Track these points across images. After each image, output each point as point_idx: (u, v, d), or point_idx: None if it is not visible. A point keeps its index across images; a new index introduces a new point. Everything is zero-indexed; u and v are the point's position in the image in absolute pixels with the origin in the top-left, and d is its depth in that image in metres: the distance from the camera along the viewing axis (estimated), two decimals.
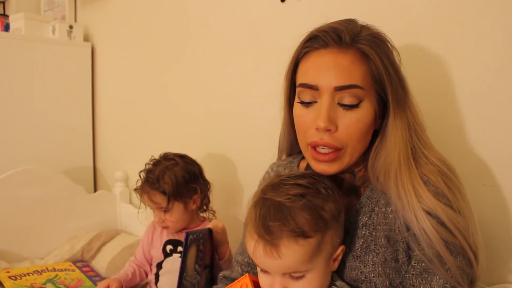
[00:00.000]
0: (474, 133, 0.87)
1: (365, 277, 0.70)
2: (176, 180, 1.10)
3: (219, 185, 1.29)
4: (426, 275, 0.66)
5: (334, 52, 0.69)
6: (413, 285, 0.67)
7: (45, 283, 1.35)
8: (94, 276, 1.44)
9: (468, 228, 0.65)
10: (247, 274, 0.72)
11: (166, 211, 1.11)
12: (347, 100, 0.68)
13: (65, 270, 1.46)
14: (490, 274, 0.85)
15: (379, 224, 0.71)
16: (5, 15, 2.11)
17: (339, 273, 0.73)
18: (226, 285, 0.79)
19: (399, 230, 0.69)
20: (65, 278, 1.40)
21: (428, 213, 0.65)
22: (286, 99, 0.80)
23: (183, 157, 1.17)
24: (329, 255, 0.66)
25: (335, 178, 0.76)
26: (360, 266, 0.71)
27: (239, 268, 0.89)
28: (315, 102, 0.71)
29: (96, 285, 1.38)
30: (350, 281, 0.72)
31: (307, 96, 0.72)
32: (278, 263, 0.63)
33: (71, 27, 1.98)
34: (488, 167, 0.85)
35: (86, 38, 2.06)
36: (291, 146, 0.89)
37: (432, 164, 0.69)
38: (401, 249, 0.68)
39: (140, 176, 1.15)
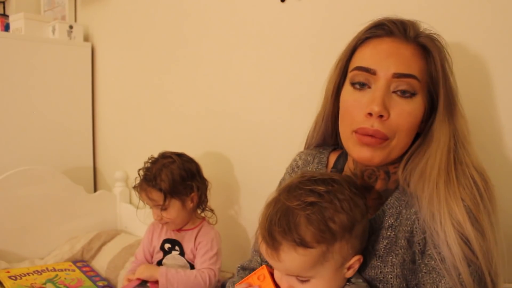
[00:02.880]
0: (474, 132, 0.87)
1: (383, 277, 0.70)
2: (173, 177, 1.10)
3: (217, 184, 1.29)
4: (435, 275, 0.65)
5: (397, 41, 0.70)
6: (423, 283, 0.67)
7: (45, 283, 1.35)
8: (94, 276, 1.44)
9: (491, 254, 0.64)
10: (264, 265, 0.72)
11: (163, 208, 1.12)
12: (404, 89, 0.68)
13: (65, 270, 1.46)
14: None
15: (402, 226, 0.70)
16: (5, 15, 2.11)
17: (359, 269, 0.73)
18: (243, 277, 0.78)
19: (416, 232, 0.68)
20: (65, 278, 1.40)
21: (457, 230, 0.64)
22: (335, 87, 0.78)
23: (180, 155, 1.18)
24: (339, 265, 0.65)
25: (369, 179, 0.76)
26: (380, 266, 0.70)
27: (258, 258, 0.87)
28: (369, 87, 0.70)
29: (96, 285, 1.38)
30: (368, 279, 0.71)
31: (361, 78, 0.70)
32: (279, 266, 0.64)
33: (71, 27, 1.98)
34: (488, 167, 0.85)
35: (86, 38, 2.06)
36: (324, 139, 0.87)
37: (470, 177, 0.67)
38: (417, 251, 0.68)
39: (139, 174, 1.16)
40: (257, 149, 1.33)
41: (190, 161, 1.18)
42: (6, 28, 2.04)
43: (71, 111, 1.98)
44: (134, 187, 1.16)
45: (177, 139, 1.64)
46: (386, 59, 0.68)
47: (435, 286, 0.65)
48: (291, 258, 0.62)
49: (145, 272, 1.12)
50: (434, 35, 0.72)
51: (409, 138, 0.70)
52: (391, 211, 0.72)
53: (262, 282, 0.70)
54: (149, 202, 1.14)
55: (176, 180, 1.11)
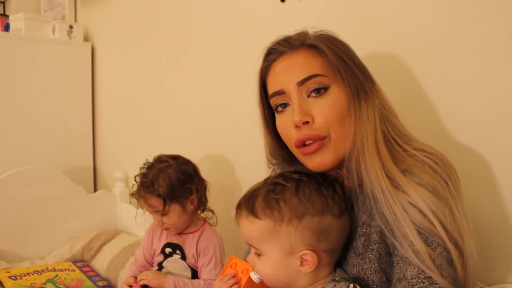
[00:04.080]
0: (474, 132, 0.87)
1: (364, 274, 0.70)
2: (170, 182, 1.08)
3: (218, 185, 1.29)
4: (402, 264, 0.65)
5: (288, 56, 0.75)
6: (393, 275, 0.67)
7: (45, 283, 1.35)
8: (94, 276, 1.44)
9: (448, 217, 0.63)
10: (232, 255, 0.81)
11: (163, 214, 1.09)
12: (314, 90, 0.72)
13: (65, 270, 1.46)
14: (490, 274, 0.85)
15: (374, 220, 0.71)
16: (5, 15, 2.11)
17: (344, 268, 0.74)
18: None
19: (385, 224, 0.69)
20: (65, 278, 1.40)
21: (401, 192, 0.65)
22: (265, 121, 0.84)
23: (176, 158, 1.15)
24: (286, 250, 0.68)
25: (336, 178, 0.76)
26: (361, 263, 0.71)
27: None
28: (288, 105, 0.75)
29: (96, 285, 1.38)
30: (353, 278, 0.72)
31: (279, 101, 0.76)
32: (241, 232, 0.73)
33: (71, 27, 1.98)
34: (488, 167, 0.85)
35: (86, 38, 2.06)
36: (284, 160, 0.89)
37: (412, 157, 0.69)
38: (390, 243, 0.68)
39: (135, 180, 1.14)
40: (258, 150, 1.32)
41: (186, 163, 1.16)
42: (6, 28, 2.04)
43: (71, 111, 1.98)
44: (132, 195, 1.14)
45: (177, 139, 1.64)
46: (286, 75, 0.74)
47: (402, 275, 0.64)
48: (244, 224, 0.71)
49: (154, 280, 1.10)
50: (321, 32, 0.77)
51: (344, 127, 0.72)
52: (363, 208, 0.73)
53: (235, 269, 0.78)
54: (148, 209, 1.12)
55: (174, 184, 1.09)
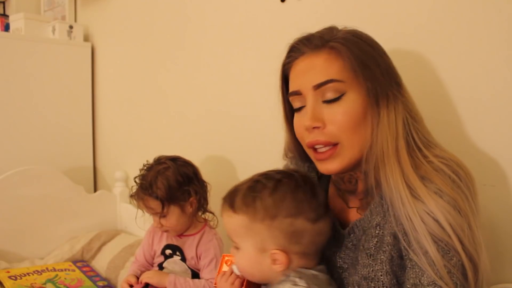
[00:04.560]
0: (473, 132, 0.87)
1: (375, 275, 0.70)
2: (169, 184, 1.08)
3: (219, 186, 1.29)
4: (418, 269, 0.65)
5: (308, 56, 0.74)
6: (407, 278, 0.67)
7: (45, 283, 1.35)
8: (94, 276, 1.44)
9: (466, 232, 0.63)
10: (223, 254, 0.85)
11: (162, 216, 1.09)
12: (329, 95, 0.71)
13: (65, 270, 1.46)
14: (490, 274, 0.85)
15: (388, 222, 0.71)
16: (5, 15, 2.11)
17: (354, 268, 0.74)
18: None
19: (400, 226, 0.69)
20: (65, 278, 1.40)
21: (421, 202, 0.65)
22: (285, 115, 0.84)
23: (175, 159, 1.14)
24: (258, 247, 0.71)
25: (350, 183, 0.77)
26: (372, 264, 0.71)
27: None
28: (304, 106, 0.74)
29: (96, 285, 1.38)
30: (361, 279, 0.72)
31: (297, 103, 0.76)
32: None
33: (71, 27, 1.98)
34: (488, 167, 0.85)
35: (86, 38, 2.06)
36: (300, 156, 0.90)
37: (432, 164, 0.68)
38: (403, 246, 0.68)
39: (135, 181, 1.13)
40: (259, 151, 1.33)
41: (186, 164, 1.15)
42: (6, 28, 2.04)
43: (71, 111, 1.98)
44: (131, 196, 1.14)
45: (177, 139, 1.64)
46: (304, 76, 0.73)
47: (418, 281, 0.64)
48: (225, 217, 0.75)
49: (154, 278, 1.11)
50: (348, 31, 0.75)
51: (358, 134, 0.71)
52: (377, 209, 0.73)
53: (231, 266, 0.80)
54: (147, 211, 1.12)
55: (172, 186, 1.08)
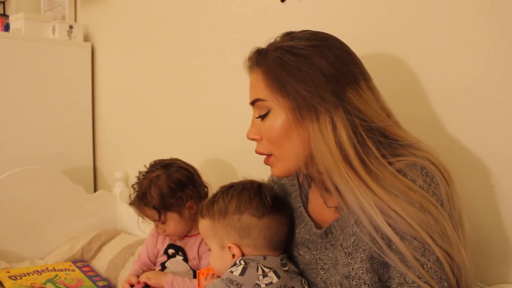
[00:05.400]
0: (473, 132, 0.87)
1: (355, 274, 0.70)
2: (161, 192, 1.08)
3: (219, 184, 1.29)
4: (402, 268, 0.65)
5: (252, 72, 0.80)
6: (393, 278, 0.67)
7: (45, 283, 1.35)
8: (94, 276, 1.44)
9: (433, 228, 0.63)
10: (197, 271, 0.95)
11: (162, 222, 1.11)
12: (258, 112, 0.78)
13: (65, 270, 1.46)
14: (489, 274, 0.85)
15: (361, 223, 0.70)
16: (5, 15, 2.11)
17: (334, 269, 0.75)
18: None
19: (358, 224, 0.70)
20: (65, 278, 1.40)
21: (380, 201, 0.65)
22: None
23: (168, 166, 1.14)
24: (219, 244, 0.83)
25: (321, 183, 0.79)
26: (351, 263, 0.71)
27: None
28: None
29: (96, 285, 1.38)
30: (342, 278, 0.72)
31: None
32: None
33: (71, 27, 1.98)
34: (488, 167, 0.85)
35: (86, 38, 2.06)
36: None
37: (391, 166, 0.67)
38: (377, 249, 0.68)
39: (134, 188, 1.15)
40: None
41: (180, 169, 1.14)
42: (6, 28, 2.04)
43: (71, 111, 1.98)
44: (131, 204, 1.16)
45: (177, 139, 1.64)
46: (249, 92, 0.80)
47: (403, 279, 0.65)
48: (199, 222, 0.88)
49: (152, 279, 1.12)
50: (276, 49, 0.75)
51: (286, 147, 0.75)
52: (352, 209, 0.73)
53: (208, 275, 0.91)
54: (147, 218, 1.14)
55: (165, 194, 1.09)
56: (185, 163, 1.19)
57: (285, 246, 0.86)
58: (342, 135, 0.69)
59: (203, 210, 0.86)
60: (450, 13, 0.89)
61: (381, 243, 0.66)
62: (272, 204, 0.82)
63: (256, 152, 0.80)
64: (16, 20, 1.96)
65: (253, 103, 0.78)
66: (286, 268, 0.80)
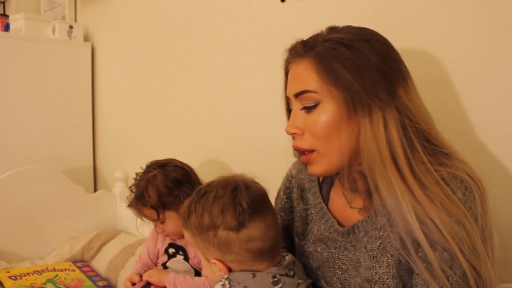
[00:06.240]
0: (473, 132, 0.87)
1: (379, 278, 0.70)
2: (159, 191, 1.09)
3: None
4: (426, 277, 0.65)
5: (295, 63, 0.75)
6: (415, 285, 0.67)
7: (45, 283, 1.35)
8: (94, 276, 1.44)
9: (465, 242, 0.62)
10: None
11: (161, 222, 1.11)
12: (305, 104, 0.73)
13: (65, 270, 1.46)
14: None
15: (394, 226, 0.70)
16: (5, 15, 2.11)
17: (355, 270, 0.74)
18: None
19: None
20: (65, 278, 1.40)
21: (419, 206, 0.64)
22: (286, 113, 0.84)
23: (164, 165, 1.14)
24: (205, 258, 0.76)
25: (349, 182, 0.76)
26: (375, 267, 0.71)
27: None
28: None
29: (96, 285, 1.38)
30: (364, 280, 0.72)
31: (290, 105, 0.78)
32: None
33: (71, 27, 1.98)
34: (488, 167, 0.85)
35: (86, 38, 2.06)
36: None
37: (435, 173, 0.66)
38: (412, 251, 0.67)
39: (131, 190, 1.15)
40: (261, 152, 1.32)
41: (176, 168, 1.14)
42: (6, 28, 2.04)
43: (71, 111, 1.98)
44: (129, 206, 1.16)
45: (177, 139, 1.64)
46: (290, 84, 0.76)
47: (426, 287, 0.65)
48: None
49: (154, 276, 1.12)
50: (327, 40, 0.71)
51: (333, 143, 0.71)
52: (383, 211, 0.71)
53: None
54: (146, 219, 1.14)
55: (163, 193, 1.09)
56: (181, 162, 1.19)
57: (279, 249, 0.78)
58: (393, 134, 0.67)
59: (182, 221, 0.79)
60: (450, 13, 0.89)
61: (410, 248, 0.65)
62: (250, 210, 0.71)
63: (296, 148, 0.75)
64: (16, 20, 1.96)
65: (298, 95, 0.73)
66: (280, 286, 0.72)
